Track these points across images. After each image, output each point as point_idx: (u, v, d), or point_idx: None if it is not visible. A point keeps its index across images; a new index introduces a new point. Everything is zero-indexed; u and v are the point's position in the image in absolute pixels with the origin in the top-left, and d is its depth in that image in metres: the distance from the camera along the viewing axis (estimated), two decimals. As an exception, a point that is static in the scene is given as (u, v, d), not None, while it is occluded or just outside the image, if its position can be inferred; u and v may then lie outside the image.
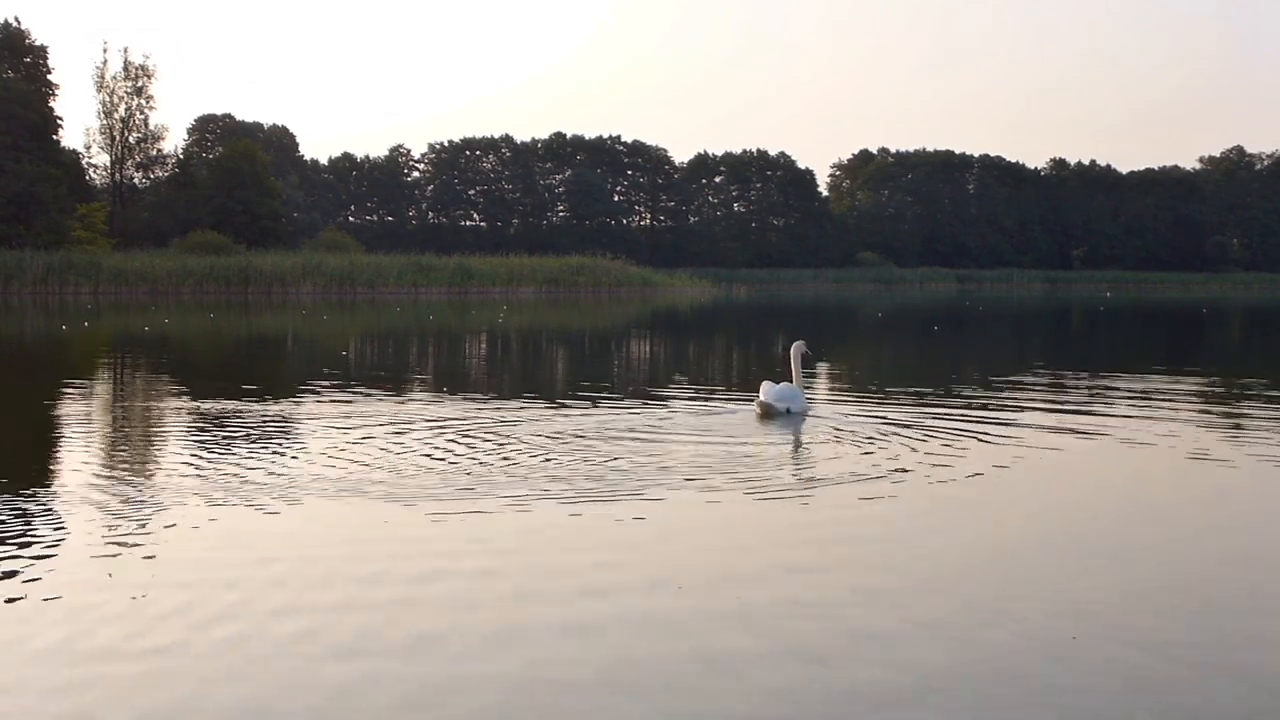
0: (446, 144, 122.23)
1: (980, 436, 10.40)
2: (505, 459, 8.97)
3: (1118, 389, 15.05)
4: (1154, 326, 37.52)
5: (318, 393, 14.00)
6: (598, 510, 7.19)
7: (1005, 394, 14.34)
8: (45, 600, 5.29)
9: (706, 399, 13.54)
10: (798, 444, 10.08)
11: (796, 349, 12.77)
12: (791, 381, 12.33)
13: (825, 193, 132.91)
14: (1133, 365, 19.63)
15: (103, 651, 4.59)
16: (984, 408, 12.65)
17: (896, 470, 8.60)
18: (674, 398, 13.66)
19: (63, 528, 6.61)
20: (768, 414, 11.68)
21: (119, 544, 6.27)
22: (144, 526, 6.66)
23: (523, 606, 5.23)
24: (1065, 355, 23.69)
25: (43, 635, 4.80)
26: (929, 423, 11.22)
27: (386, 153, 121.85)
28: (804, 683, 4.34)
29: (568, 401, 13.12)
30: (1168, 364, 20.49)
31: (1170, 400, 13.61)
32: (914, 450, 9.52)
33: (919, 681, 4.34)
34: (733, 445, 9.81)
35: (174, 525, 6.71)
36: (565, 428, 10.78)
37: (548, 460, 8.90)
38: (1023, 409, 12.64)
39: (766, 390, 11.92)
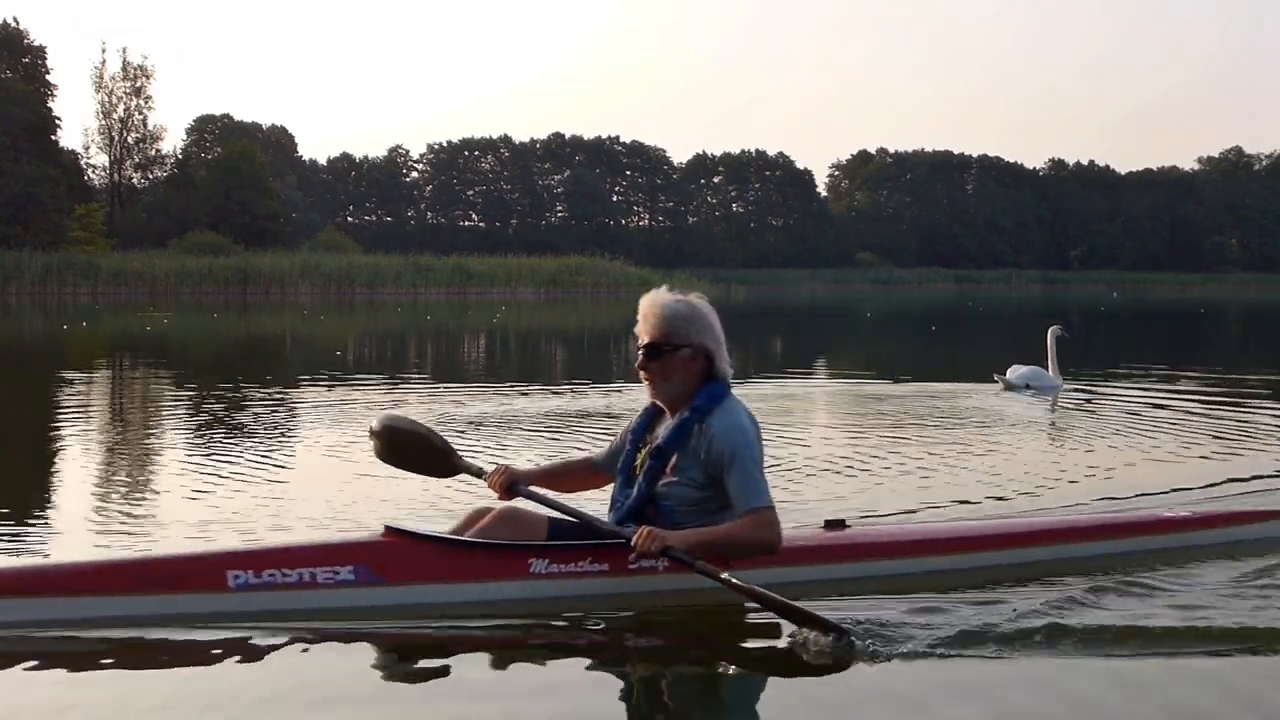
0: (445, 144, 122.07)
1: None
2: None
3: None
4: (1211, 325, 36.87)
5: (319, 394, 13.96)
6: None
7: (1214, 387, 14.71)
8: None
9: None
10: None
11: (1052, 333, 14.18)
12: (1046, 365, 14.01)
13: (824, 193, 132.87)
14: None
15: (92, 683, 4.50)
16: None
17: None
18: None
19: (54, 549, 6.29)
20: (1009, 389, 13.60)
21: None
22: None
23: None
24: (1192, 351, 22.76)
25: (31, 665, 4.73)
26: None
27: (385, 153, 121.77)
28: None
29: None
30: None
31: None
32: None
33: None
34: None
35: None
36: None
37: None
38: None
39: (1012, 370, 13.85)
